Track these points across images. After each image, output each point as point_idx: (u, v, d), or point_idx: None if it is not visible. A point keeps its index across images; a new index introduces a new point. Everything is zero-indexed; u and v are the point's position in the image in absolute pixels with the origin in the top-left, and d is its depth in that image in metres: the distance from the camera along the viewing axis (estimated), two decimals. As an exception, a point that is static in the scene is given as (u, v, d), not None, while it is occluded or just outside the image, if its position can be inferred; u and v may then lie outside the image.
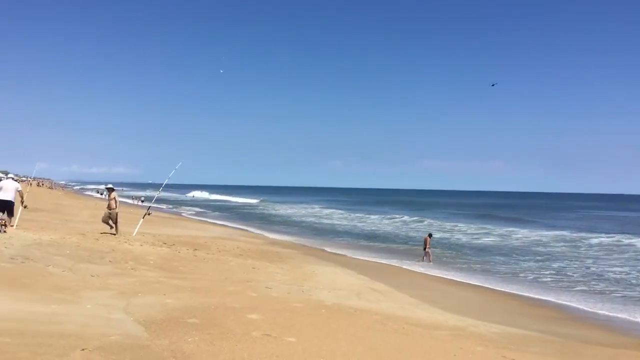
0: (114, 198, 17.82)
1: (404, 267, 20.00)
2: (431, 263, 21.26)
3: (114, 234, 17.32)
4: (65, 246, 13.61)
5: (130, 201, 66.93)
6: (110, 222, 17.73)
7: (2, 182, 17.02)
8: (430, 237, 22.67)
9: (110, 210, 17.72)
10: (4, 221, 15.18)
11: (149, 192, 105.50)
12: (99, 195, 79.48)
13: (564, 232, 37.58)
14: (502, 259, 23.83)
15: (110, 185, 18.73)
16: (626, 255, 25.68)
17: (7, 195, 16.34)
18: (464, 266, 21.24)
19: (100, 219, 18.49)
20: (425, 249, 22.06)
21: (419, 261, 21.54)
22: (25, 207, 17.46)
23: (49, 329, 6.28)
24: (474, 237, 34.96)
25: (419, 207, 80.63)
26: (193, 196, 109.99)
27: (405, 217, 51.24)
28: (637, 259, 24.64)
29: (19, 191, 16.80)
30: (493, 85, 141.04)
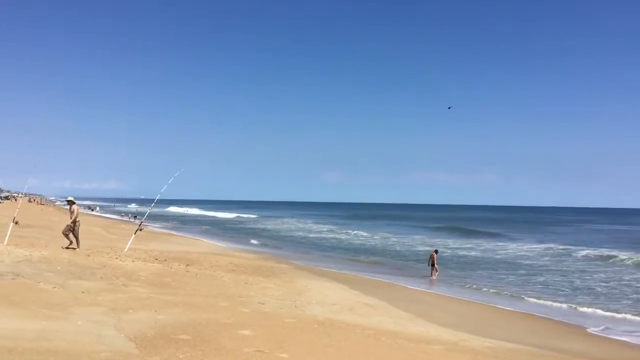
0: (75, 210, 17.67)
1: (396, 281, 19.97)
2: (434, 279, 21.25)
3: (75, 248, 17.00)
4: (56, 262, 13.51)
5: (119, 217, 66.62)
6: (71, 235, 17.40)
7: None
8: (436, 254, 22.65)
9: (73, 223, 17.51)
10: None
11: (134, 206, 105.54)
12: (88, 211, 79.75)
13: (551, 245, 37.85)
14: (490, 273, 23.85)
15: (70, 198, 18.53)
16: (610, 269, 25.95)
17: None
18: (456, 281, 21.23)
19: (89, 235, 18.27)
20: (433, 264, 22.01)
21: (430, 278, 21.34)
22: (16, 223, 17.43)
23: (38, 346, 6.23)
24: (463, 251, 35.01)
25: (410, 221, 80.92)
26: (186, 211, 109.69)
27: (391, 233, 51.34)
28: (621, 272, 24.86)
29: None
30: (449, 108, 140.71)
